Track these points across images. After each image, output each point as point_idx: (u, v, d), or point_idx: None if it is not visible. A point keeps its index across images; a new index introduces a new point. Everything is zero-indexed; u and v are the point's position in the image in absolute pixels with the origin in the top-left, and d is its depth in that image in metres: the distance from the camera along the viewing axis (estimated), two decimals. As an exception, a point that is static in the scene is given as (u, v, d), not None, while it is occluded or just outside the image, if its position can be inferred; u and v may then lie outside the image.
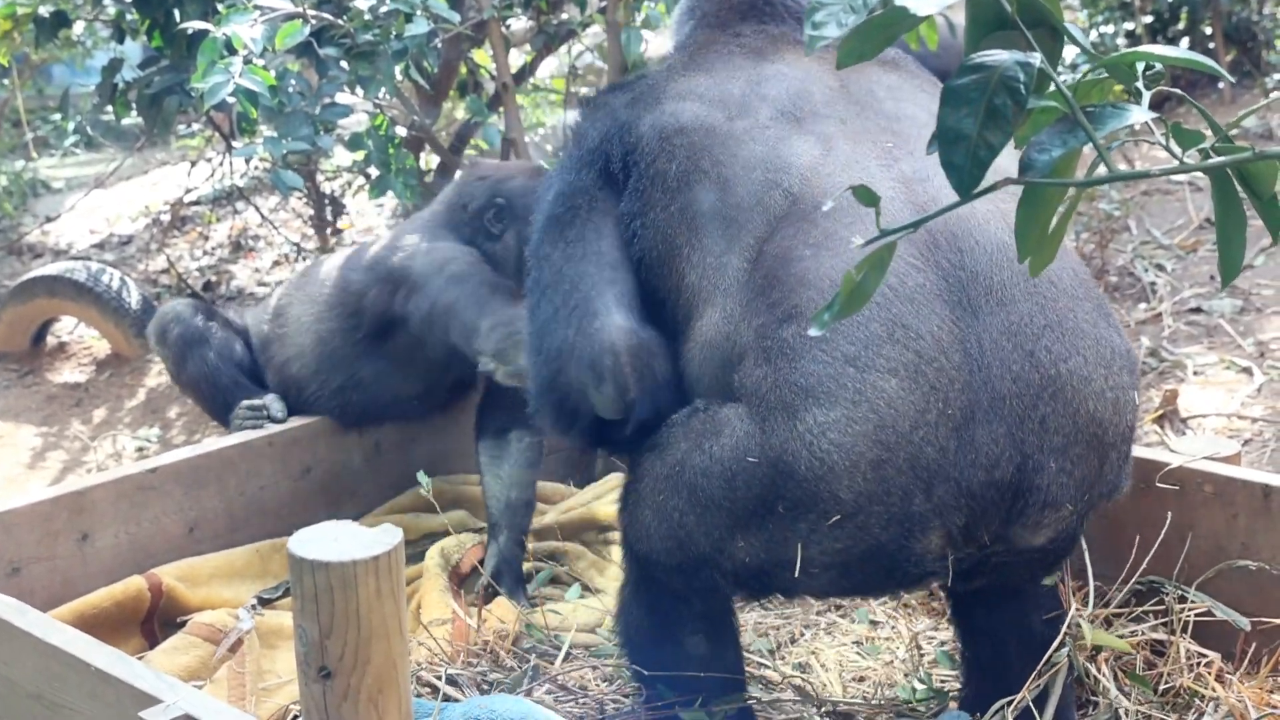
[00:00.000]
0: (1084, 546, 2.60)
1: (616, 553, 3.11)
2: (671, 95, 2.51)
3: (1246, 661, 2.55)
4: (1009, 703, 2.33)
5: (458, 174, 3.52)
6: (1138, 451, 2.68)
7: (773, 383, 2.12)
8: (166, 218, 8.12)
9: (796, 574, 2.13)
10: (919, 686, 2.63)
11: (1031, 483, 2.11)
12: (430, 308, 3.10)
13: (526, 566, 3.18)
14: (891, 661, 2.76)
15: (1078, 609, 2.48)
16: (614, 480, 3.35)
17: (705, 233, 2.34)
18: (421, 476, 2.85)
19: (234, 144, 6.14)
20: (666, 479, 2.22)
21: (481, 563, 3.16)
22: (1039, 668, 2.35)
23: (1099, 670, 2.50)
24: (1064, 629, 2.40)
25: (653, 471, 2.26)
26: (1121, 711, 2.42)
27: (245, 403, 3.27)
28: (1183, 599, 2.59)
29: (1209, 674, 2.48)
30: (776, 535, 2.12)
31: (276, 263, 7.35)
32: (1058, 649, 2.38)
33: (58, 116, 9.96)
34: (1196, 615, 2.56)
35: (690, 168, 2.40)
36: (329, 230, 7.27)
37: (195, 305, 3.58)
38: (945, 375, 2.07)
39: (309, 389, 3.33)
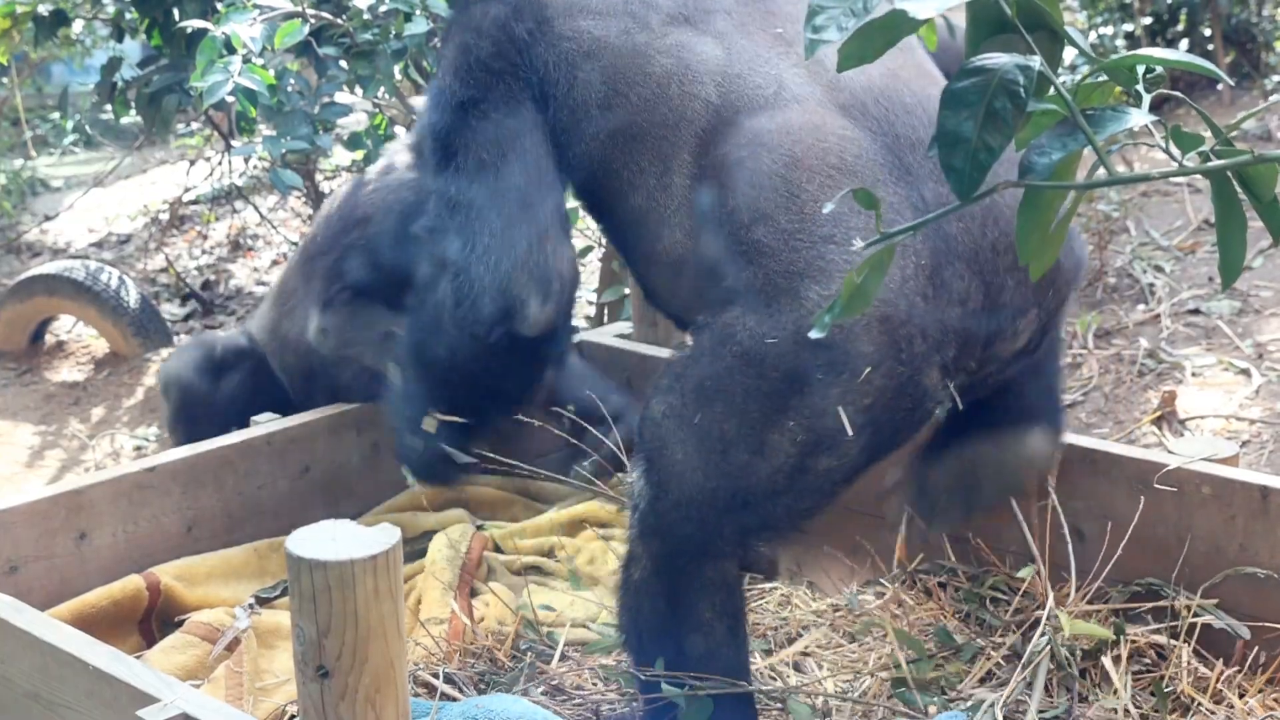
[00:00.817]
0: (1069, 541, 2.61)
1: (617, 548, 3.11)
2: (560, 12, 2.62)
3: (1246, 665, 2.54)
4: (999, 700, 2.33)
5: None
6: (1136, 453, 2.68)
7: (764, 278, 2.27)
8: (165, 217, 8.12)
9: (850, 431, 2.25)
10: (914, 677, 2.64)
11: (998, 302, 2.32)
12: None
13: (521, 561, 3.18)
14: (886, 661, 2.75)
15: (1056, 599, 2.49)
16: (613, 480, 3.35)
17: (639, 155, 2.47)
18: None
19: (233, 143, 6.14)
20: (695, 399, 2.31)
21: (497, 549, 3.17)
22: (1023, 661, 2.37)
23: (1096, 674, 2.50)
24: (1045, 619, 2.41)
25: (671, 407, 2.34)
26: (1121, 712, 2.43)
27: None
28: (1180, 602, 2.59)
29: (1211, 676, 2.49)
30: (815, 405, 2.25)
31: (275, 262, 7.35)
32: (1039, 639, 2.39)
33: (57, 115, 9.96)
34: (1193, 618, 2.57)
35: (608, 93, 2.52)
36: (328, 229, 7.26)
37: (199, 359, 3.53)
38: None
39: (340, 375, 3.35)
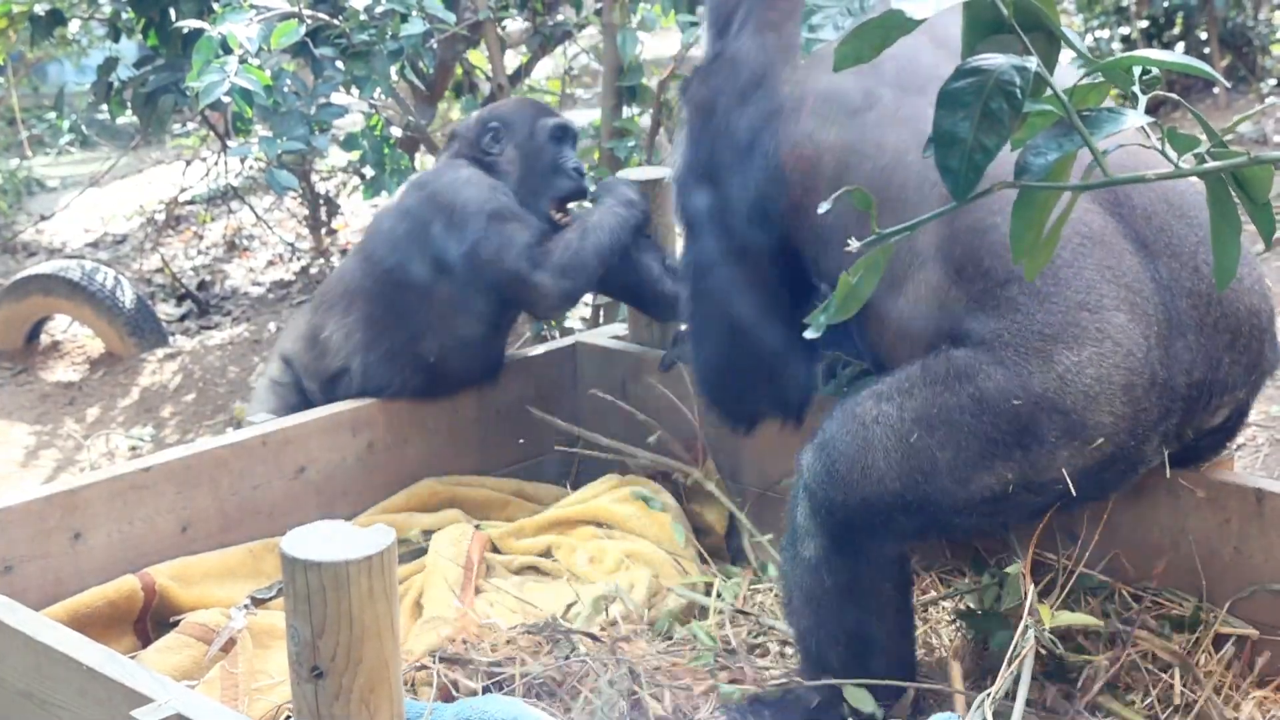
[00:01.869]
0: (1057, 539, 2.61)
1: (613, 548, 3.11)
2: (790, 105, 2.73)
3: (1242, 668, 2.55)
4: (988, 695, 2.33)
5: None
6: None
7: (1013, 333, 2.37)
8: (161, 217, 8.12)
9: (1074, 493, 2.38)
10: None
11: (1215, 377, 2.44)
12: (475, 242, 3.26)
13: (519, 561, 3.18)
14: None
15: (1036, 592, 2.49)
16: (611, 480, 3.35)
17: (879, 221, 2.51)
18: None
19: (229, 143, 6.14)
20: (916, 422, 2.42)
21: (494, 549, 3.17)
22: (1008, 654, 2.39)
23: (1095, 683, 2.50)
24: (1025, 612, 2.42)
25: (888, 417, 2.44)
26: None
27: None
28: (1180, 605, 2.60)
29: (1211, 680, 2.49)
30: (1040, 462, 2.37)
31: (271, 262, 7.35)
32: (1023, 632, 2.40)
33: (53, 115, 9.93)
34: (1186, 619, 2.57)
35: (841, 174, 2.61)
36: (324, 230, 7.27)
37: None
38: (1149, 303, 2.38)
39: (382, 374, 3.37)
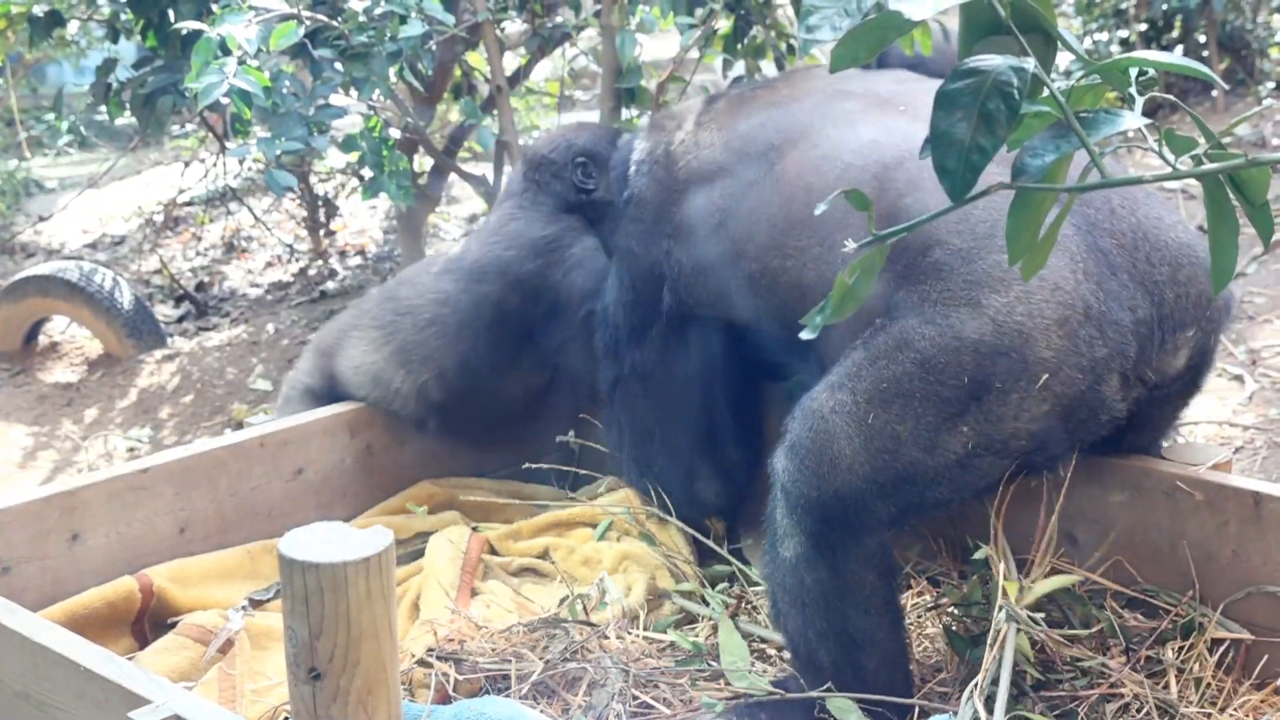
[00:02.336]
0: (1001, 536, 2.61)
1: (610, 550, 3.11)
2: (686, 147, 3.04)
3: (1239, 671, 2.55)
4: (976, 687, 2.34)
5: (518, 164, 3.53)
6: (1130, 459, 2.68)
7: (942, 290, 2.42)
8: (160, 218, 8.11)
9: (1022, 437, 2.41)
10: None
11: (1162, 313, 2.47)
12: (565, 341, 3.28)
13: (517, 563, 3.18)
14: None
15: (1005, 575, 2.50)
16: (608, 483, 3.35)
17: (802, 238, 2.72)
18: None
19: (228, 144, 6.13)
20: (870, 400, 2.45)
21: (492, 551, 3.17)
22: (989, 640, 2.40)
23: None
24: (998, 598, 2.44)
25: (842, 404, 2.47)
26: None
27: None
28: (1178, 609, 2.60)
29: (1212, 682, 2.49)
30: (992, 413, 2.40)
31: (269, 264, 7.35)
32: (998, 614, 2.40)
33: (51, 116, 9.95)
34: (1183, 622, 2.57)
35: (748, 224, 2.84)
36: (322, 232, 7.27)
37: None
38: (1069, 242, 2.43)
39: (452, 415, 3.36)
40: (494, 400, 3.36)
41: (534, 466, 3.31)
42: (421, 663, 2.67)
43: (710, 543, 3.14)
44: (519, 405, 3.40)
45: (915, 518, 2.61)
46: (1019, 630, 2.42)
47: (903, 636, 2.60)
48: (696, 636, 2.87)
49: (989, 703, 2.31)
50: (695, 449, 3.10)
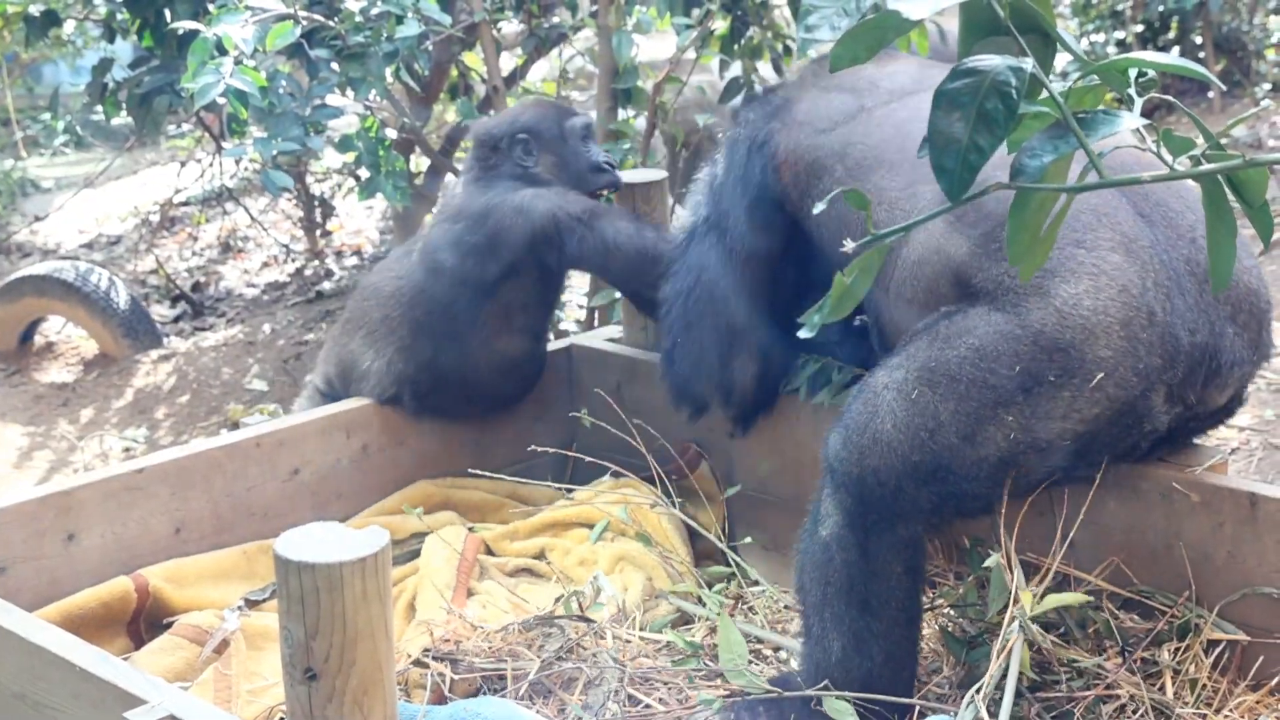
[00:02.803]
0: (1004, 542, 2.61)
1: (606, 550, 3.10)
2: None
3: (1234, 672, 2.55)
4: (979, 691, 2.34)
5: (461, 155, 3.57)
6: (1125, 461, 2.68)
7: (1013, 275, 2.40)
8: (155, 218, 8.11)
9: (1067, 438, 2.41)
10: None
11: (1219, 345, 2.47)
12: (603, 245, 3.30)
13: (513, 564, 3.18)
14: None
15: (1019, 584, 2.50)
16: (606, 483, 3.35)
17: (880, 177, 2.69)
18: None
19: (224, 145, 6.13)
20: (919, 379, 2.45)
21: (489, 551, 3.17)
22: (996, 647, 2.40)
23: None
24: (1010, 606, 2.43)
25: (895, 381, 2.48)
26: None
27: None
28: (1175, 611, 2.60)
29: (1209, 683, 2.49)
30: (1040, 408, 2.39)
31: (265, 264, 7.35)
32: (1009, 625, 2.40)
33: (47, 116, 9.95)
34: (1179, 623, 2.57)
35: (847, 144, 2.82)
36: (318, 232, 7.27)
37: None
38: (1145, 251, 2.43)
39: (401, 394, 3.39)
40: (464, 367, 3.39)
41: (541, 450, 3.32)
42: (417, 663, 2.67)
43: (709, 534, 3.14)
44: (496, 373, 3.43)
45: (951, 514, 2.58)
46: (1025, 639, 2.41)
47: (915, 639, 2.60)
48: (693, 636, 2.87)
49: (991, 708, 2.31)
50: (741, 328, 3.09)
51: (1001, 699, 2.31)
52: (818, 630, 2.58)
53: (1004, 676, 2.35)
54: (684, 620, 2.98)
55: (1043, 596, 2.49)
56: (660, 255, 3.25)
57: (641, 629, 2.90)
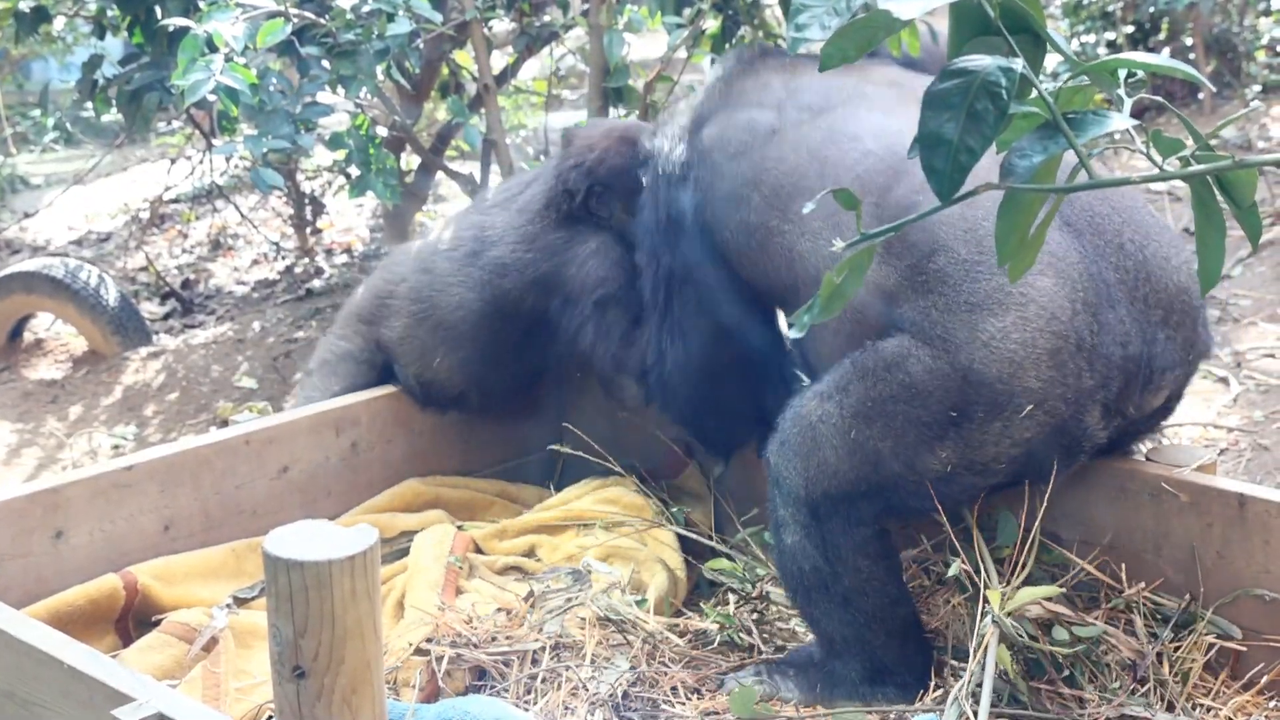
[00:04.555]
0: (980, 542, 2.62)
1: (595, 547, 3.10)
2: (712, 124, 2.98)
3: (1225, 673, 2.55)
4: (961, 690, 2.35)
5: (553, 161, 3.56)
6: (1114, 461, 2.68)
7: (940, 308, 2.44)
8: (145, 215, 8.10)
9: (1002, 461, 2.46)
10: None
11: (1152, 353, 2.49)
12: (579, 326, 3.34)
13: (503, 562, 3.18)
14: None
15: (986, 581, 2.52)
16: (594, 482, 3.34)
17: (800, 205, 2.66)
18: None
19: (214, 142, 6.13)
20: (855, 416, 2.52)
21: (478, 550, 3.17)
22: (973, 646, 2.42)
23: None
24: (981, 603, 2.45)
25: (829, 415, 2.55)
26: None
27: None
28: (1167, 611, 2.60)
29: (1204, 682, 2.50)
30: (973, 439, 2.45)
31: (255, 261, 7.34)
32: (982, 619, 2.41)
33: (37, 112, 9.94)
34: (1173, 625, 2.58)
35: (761, 170, 2.80)
36: (308, 230, 7.26)
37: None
38: (1074, 270, 2.44)
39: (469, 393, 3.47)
40: (514, 380, 3.50)
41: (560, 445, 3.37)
42: (406, 661, 2.67)
43: (704, 537, 3.15)
44: (538, 381, 3.56)
45: (903, 517, 2.68)
46: (1002, 636, 2.42)
47: (909, 613, 2.65)
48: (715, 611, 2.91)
49: (974, 705, 2.32)
50: (735, 395, 3.14)
51: (985, 698, 2.32)
52: (821, 627, 2.67)
53: (983, 673, 2.36)
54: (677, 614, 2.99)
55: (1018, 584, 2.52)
56: None
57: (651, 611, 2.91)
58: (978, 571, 2.59)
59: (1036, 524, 2.58)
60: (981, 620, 2.43)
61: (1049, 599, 2.52)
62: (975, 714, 2.31)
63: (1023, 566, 2.58)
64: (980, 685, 2.35)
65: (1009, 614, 2.45)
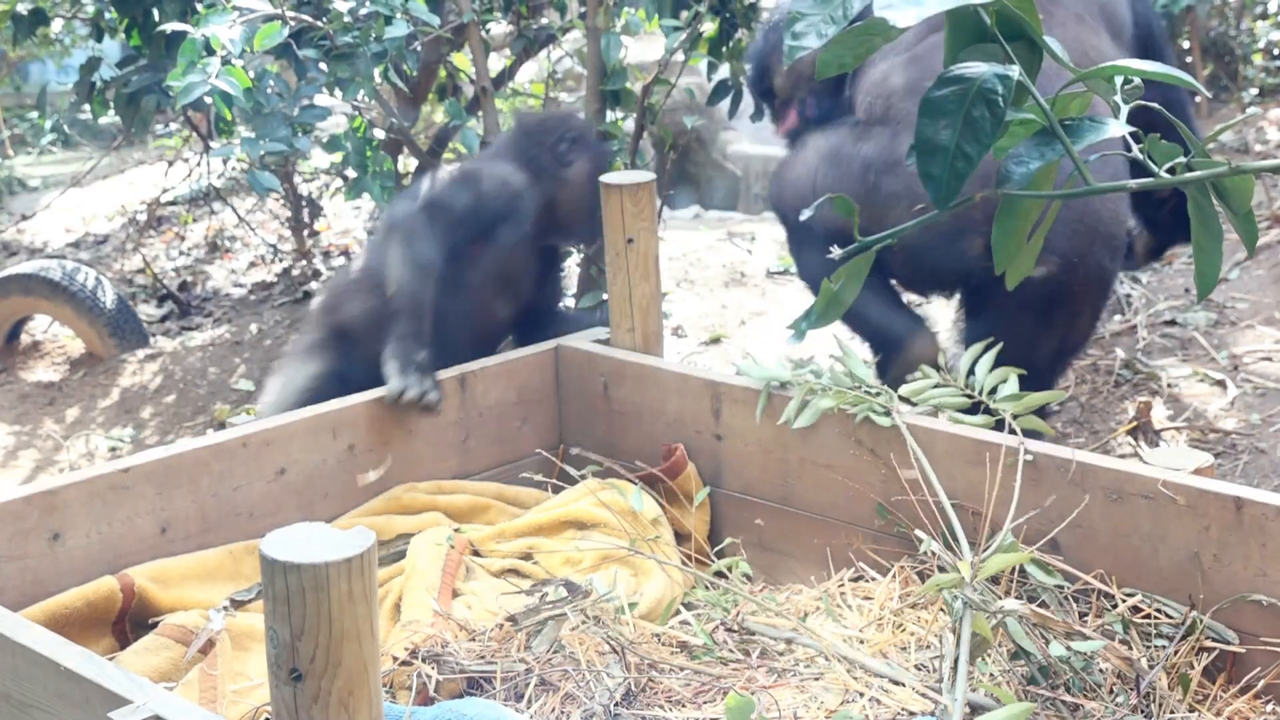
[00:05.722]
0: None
1: (593, 550, 3.11)
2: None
3: (1223, 678, 2.56)
4: (951, 683, 2.35)
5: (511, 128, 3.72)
6: (1111, 463, 2.69)
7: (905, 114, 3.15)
8: (143, 217, 8.10)
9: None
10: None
11: None
12: None
13: (500, 565, 3.18)
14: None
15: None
16: (592, 485, 3.35)
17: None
18: None
19: (211, 144, 6.13)
20: (823, 153, 3.49)
21: (475, 553, 3.17)
22: (950, 624, 2.42)
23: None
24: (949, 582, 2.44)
25: (816, 147, 3.49)
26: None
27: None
28: (1163, 612, 2.60)
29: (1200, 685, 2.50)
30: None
31: (253, 264, 7.34)
32: (953, 599, 2.41)
33: (35, 114, 9.91)
34: (1170, 627, 2.58)
35: None
36: (306, 232, 7.26)
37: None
38: None
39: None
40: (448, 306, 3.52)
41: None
42: (403, 664, 2.67)
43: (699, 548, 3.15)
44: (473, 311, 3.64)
45: None
46: (975, 611, 2.40)
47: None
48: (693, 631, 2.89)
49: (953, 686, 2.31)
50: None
51: (961, 675, 2.32)
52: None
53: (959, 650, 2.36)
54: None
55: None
56: None
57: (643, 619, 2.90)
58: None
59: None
60: (954, 600, 2.41)
61: (1035, 602, 2.52)
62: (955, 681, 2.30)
63: (986, 535, 2.57)
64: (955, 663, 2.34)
65: (982, 582, 2.43)
